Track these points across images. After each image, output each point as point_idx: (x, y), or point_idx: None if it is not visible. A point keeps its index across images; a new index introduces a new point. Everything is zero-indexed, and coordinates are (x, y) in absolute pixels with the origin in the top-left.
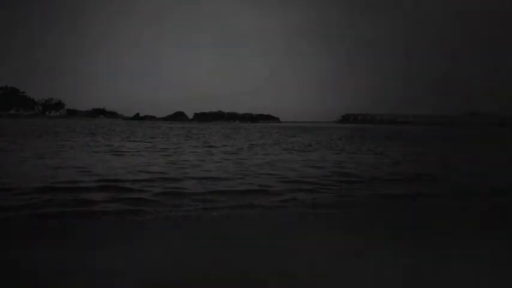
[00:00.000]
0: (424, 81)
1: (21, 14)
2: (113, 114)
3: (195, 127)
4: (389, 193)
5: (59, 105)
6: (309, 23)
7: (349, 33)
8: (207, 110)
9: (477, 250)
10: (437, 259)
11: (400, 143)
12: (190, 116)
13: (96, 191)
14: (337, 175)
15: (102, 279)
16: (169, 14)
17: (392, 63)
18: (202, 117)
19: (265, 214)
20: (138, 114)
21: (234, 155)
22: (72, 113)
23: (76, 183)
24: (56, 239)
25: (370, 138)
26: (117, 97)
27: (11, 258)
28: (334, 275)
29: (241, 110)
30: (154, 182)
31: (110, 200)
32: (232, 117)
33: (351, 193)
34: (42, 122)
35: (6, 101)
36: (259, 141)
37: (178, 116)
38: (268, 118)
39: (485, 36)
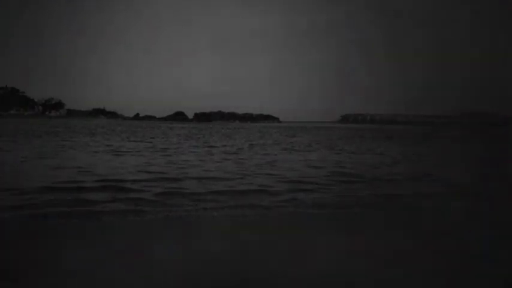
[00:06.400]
0: (423, 81)
1: (21, 14)
2: (113, 114)
3: (195, 127)
4: (389, 193)
5: (59, 105)
6: (309, 23)
7: (349, 33)
8: (207, 110)
9: (477, 250)
10: (437, 259)
11: (400, 143)
12: (190, 116)
13: (96, 191)
14: (337, 175)
15: (102, 279)
16: (169, 13)
17: (392, 63)
18: (202, 117)
19: (265, 214)
20: (138, 114)
21: (234, 155)
22: (72, 113)
23: (76, 183)
24: (56, 239)
25: (370, 138)
26: (117, 97)
27: (11, 258)
28: (334, 274)
29: (241, 110)
30: (154, 182)
31: (110, 200)
32: (232, 117)
33: (351, 193)
34: (42, 122)
35: (6, 101)
36: (259, 141)
37: (178, 116)
38: (268, 118)
39: (485, 35)
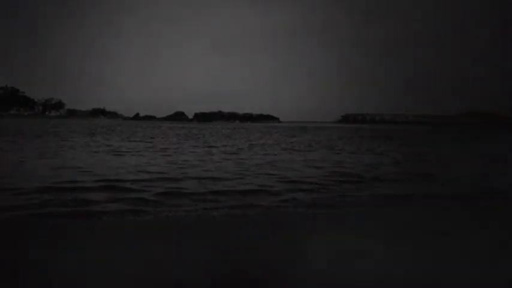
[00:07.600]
0: (424, 81)
1: (21, 14)
2: (112, 114)
3: (195, 127)
4: (389, 193)
5: (59, 105)
6: (309, 24)
7: (349, 33)
8: (207, 110)
9: (477, 250)
10: (437, 259)
11: (400, 143)
12: (190, 116)
13: (96, 191)
14: (337, 175)
15: (102, 279)
16: (170, 13)
17: (392, 63)
18: (202, 117)
19: (265, 214)
20: (138, 114)
21: (234, 155)
22: (72, 113)
23: (76, 183)
24: (56, 239)
25: (370, 138)
26: (117, 97)
27: (11, 258)
28: (334, 275)
29: (241, 110)
30: (154, 182)
31: (110, 200)
32: (232, 117)
33: (351, 193)
34: (42, 122)
35: (6, 101)
36: (259, 141)
37: (178, 116)
38: (268, 118)
39: (485, 35)
